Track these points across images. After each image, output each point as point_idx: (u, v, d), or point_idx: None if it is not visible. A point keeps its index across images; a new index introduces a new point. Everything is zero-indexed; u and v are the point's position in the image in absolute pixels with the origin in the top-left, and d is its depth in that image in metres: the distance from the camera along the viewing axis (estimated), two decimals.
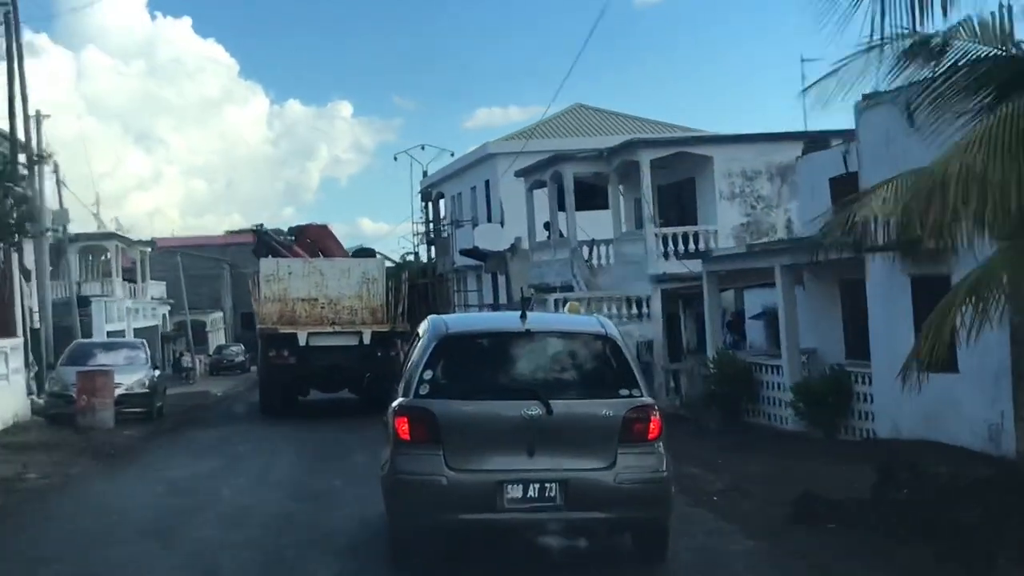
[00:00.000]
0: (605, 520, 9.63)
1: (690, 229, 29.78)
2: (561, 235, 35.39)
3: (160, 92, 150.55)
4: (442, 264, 54.92)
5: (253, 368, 67.02)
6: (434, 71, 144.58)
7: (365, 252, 47.49)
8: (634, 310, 29.39)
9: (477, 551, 10.17)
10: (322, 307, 29.18)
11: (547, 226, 36.85)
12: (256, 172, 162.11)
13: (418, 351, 10.13)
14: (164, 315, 65.08)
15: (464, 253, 47.83)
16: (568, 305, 23.18)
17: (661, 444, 9.65)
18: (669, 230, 29.65)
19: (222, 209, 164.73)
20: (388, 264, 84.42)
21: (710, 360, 21.75)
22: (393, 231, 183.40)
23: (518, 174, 38.12)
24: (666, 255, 29.63)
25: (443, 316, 11.50)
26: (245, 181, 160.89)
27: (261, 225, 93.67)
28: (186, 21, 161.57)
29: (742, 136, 30.35)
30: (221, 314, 77.84)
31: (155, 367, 27.37)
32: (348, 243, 73.96)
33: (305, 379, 28.40)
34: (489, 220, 47.09)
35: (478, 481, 9.34)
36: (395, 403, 9.94)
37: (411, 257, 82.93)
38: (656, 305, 29.47)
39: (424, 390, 9.59)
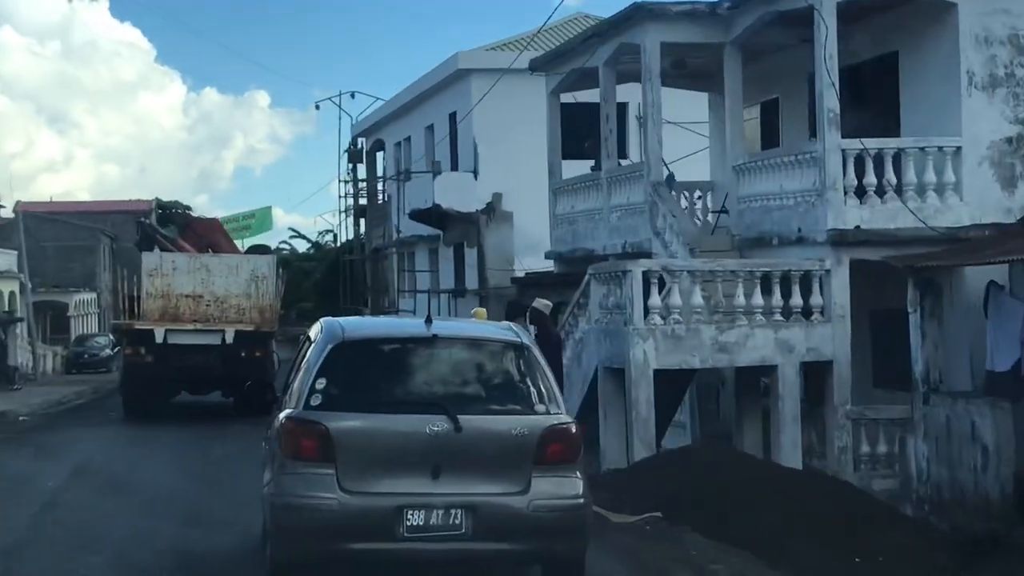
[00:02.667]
0: (516, 552, 8.14)
1: (910, 144, 15.01)
2: (619, 163, 20.36)
3: (75, 74, 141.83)
4: (378, 237, 39.61)
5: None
6: (353, 65, 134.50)
7: (260, 249, 44.81)
8: (794, 299, 14.61)
9: None
10: (207, 304, 26.49)
11: (589, 147, 21.80)
12: (170, 158, 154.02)
13: (310, 357, 8.62)
14: (11, 293, 48.89)
15: (415, 217, 32.71)
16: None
17: (580, 468, 8.33)
18: (872, 145, 14.85)
19: (134, 194, 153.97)
20: (305, 248, 69.81)
21: None
22: (307, 223, 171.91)
23: (535, 65, 22.85)
24: (861, 193, 14.84)
25: (338, 319, 9.33)
26: (158, 167, 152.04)
27: (157, 202, 77.95)
28: (103, 3, 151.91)
29: None
30: (94, 295, 61.52)
31: None
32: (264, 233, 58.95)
33: (165, 379, 25.24)
34: (455, 169, 32.01)
35: (375, 506, 7.93)
36: (282, 415, 8.44)
37: (329, 237, 68.40)
38: (840, 290, 14.63)
39: (316, 401, 8.14)
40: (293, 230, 72.91)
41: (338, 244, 55.64)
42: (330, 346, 8.43)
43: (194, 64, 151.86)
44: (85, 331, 57.84)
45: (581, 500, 8.24)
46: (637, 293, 13.98)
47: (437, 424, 8.00)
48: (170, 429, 22.17)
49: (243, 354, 24.64)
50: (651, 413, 13.96)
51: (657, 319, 14.10)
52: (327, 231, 69.57)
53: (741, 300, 14.31)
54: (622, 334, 14.13)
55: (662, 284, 14.34)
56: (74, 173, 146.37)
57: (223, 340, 24.79)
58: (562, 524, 8.15)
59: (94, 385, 36.82)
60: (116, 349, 53.72)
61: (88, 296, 60.83)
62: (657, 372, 13.99)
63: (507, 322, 10.65)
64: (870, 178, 14.61)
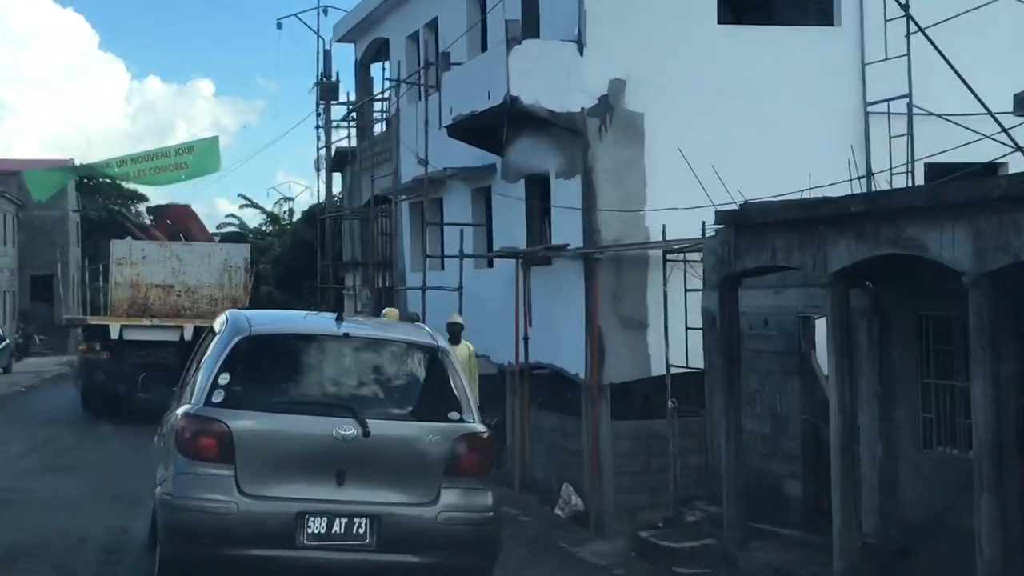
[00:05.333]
0: (422, 565, 7.74)
1: None
2: None
3: (16, 61, 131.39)
4: (383, 175, 25.88)
5: (22, 364, 42.40)
6: (299, 53, 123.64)
7: (236, 238, 44.02)
8: None
9: None
10: (178, 295, 25.61)
11: None
12: (112, 147, 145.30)
13: (212, 351, 8.22)
14: None
15: (459, 130, 19.12)
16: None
17: (490, 480, 8.13)
18: None
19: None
20: (259, 223, 56.52)
21: None
22: (254, 214, 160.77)
23: None
24: None
25: (245, 312, 9.28)
26: (100, 155, 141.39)
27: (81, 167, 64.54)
28: None
29: None
30: None
31: None
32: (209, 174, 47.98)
33: (121, 376, 23.34)
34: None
35: (275, 511, 7.54)
36: (180, 410, 8.06)
37: (286, 205, 55.17)
38: None
39: (218, 397, 7.73)
40: (244, 197, 58.79)
41: (306, 209, 42.48)
42: (235, 340, 8.00)
43: (138, 51, 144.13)
44: None
45: (491, 513, 7.93)
46: None
47: (344, 428, 7.63)
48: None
49: None
50: None
51: None
52: (285, 198, 56.13)
53: None
54: None
55: None
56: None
57: (181, 337, 23.55)
58: (472, 538, 7.80)
59: None
60: (4, 344, 39.96)
61: None
62: None
63: (420, 323, 9.53)
64: None
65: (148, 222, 47.57)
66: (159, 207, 41.56)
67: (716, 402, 14.52)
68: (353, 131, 29.17)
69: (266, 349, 8.03)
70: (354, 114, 29.26)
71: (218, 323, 8.75)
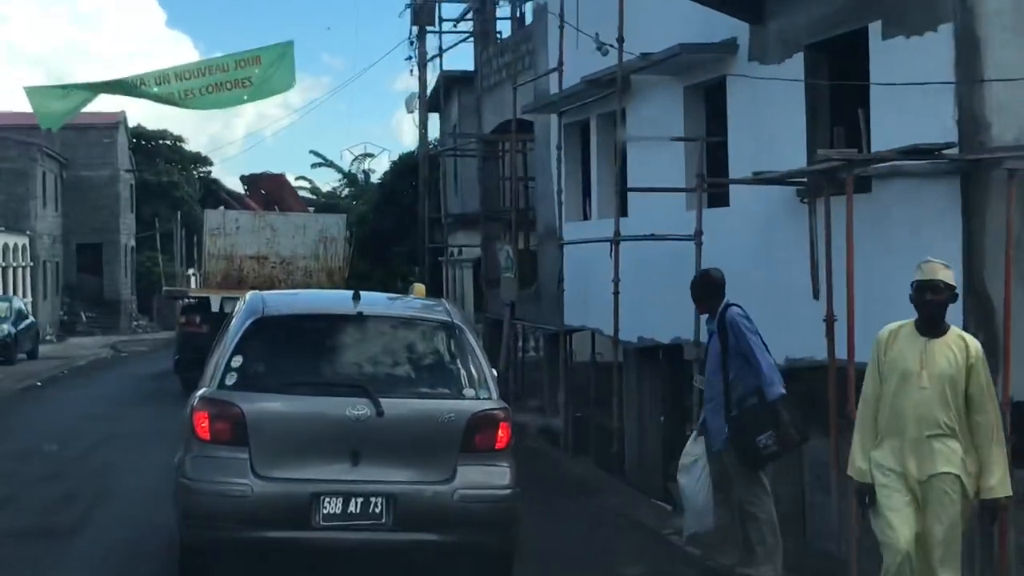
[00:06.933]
0: (439, 543, 7.58)
1: None
2: None
3: (84, 38, 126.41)
4: (491, 110, 18.36)
5: (63, 345, 36.20)
6: (364, 30, 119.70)
7: (327, 209, 40.53)
8: None
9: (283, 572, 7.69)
10: (273, 266, 24.91)
11: None
12: (179, 125, 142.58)
13: (229, 333, 8.09)
14: None
15: None
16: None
17: (509, 456, 7.82)
18: None
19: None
20: (335, 184, 50.79)
21: None
22: (327, 180, 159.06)
23: None
24: None
25: (263, 293, 8.96)
26: (163, 126, 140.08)
27: (135, 129, 59.05)
28: None
29: None
30: (24, 240, 40.52)
31: None
32: (281, 92, 43.21)
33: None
34: None
35: (290, 492, 7.41)
36: (196, 393, 7.93)
37: (365, 162, 48.60)
38: None
39: (231, 380, 7.63)
40: (317, 155, 51.70)
41: (395, 159, 35.53)
42: (248, 322, 7.95)
43: (205, 28, 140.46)
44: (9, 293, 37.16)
45: (510, 491, 7.76)
46: None
47: (358, 407, 7.52)
48: None
49: None
50: None
51: None
52: (365, 155, 49.17)
53: None
54: None
55: None
56: None
57: None
58: (490, 515, 7.65)
59: None
60: (27, 323, 33.15)
61: (15, 240, 39.86)
62: None
63: (441, 299, 9.35)
64: None
65: (242, 191, 46.61)
66: (252, 176, 39.36)
67: None
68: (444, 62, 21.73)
69: (279, 331, 7.92)
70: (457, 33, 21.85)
71: (238, 305, 8.55)
